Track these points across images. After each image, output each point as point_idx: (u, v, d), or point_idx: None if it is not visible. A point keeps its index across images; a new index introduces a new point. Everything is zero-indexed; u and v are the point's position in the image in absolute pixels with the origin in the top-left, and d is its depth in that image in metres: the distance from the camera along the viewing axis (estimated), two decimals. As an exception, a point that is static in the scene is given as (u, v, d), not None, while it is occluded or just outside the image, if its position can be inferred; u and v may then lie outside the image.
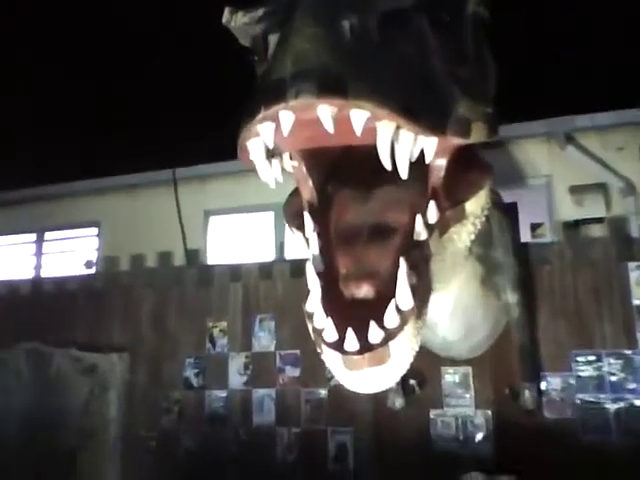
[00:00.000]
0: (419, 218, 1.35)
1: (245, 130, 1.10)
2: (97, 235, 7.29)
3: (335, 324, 1.21)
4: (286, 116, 1.02)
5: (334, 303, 1.29)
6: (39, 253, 7.85)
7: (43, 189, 7.39)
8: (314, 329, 1.25)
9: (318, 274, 1.34)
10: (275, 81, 1.03)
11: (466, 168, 1.50)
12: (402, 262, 1.24)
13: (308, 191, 1.53)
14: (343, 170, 1.61)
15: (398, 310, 1.20)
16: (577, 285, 3.82)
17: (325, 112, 1.00)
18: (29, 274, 7.53)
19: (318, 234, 1.45)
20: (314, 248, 1.41)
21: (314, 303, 1.28)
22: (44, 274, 7.48)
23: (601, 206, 4.82)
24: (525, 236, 4.74)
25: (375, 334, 1.17)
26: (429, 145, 1.19)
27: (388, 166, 1.10)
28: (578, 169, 5.14)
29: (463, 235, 1.52)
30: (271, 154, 1.29)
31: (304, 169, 1.50)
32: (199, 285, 4.80)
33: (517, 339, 3.38)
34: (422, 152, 1.22)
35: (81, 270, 7.00)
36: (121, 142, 6.22)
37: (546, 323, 3.80)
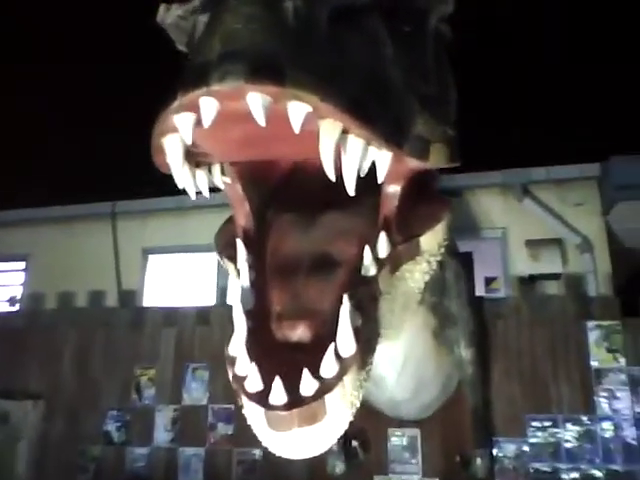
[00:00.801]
0: (368, 251, 1.19)
1: (159, 124, 0.93)
2: (24, 269, 6.90)
3: (260, 371, 1.01)
4: (207, 103, 0.85)
5: (262, 346, 1.10)
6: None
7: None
8: (235, 376, 1.06)
9: (246, 312, 1.15)
10: (198, 64, 0.86)
11: (422, 199, 1.36)
12: (345, 300, 1.06)
13: (243, 215, 1.35)
14: (285, 193, 1.44)
15: (338, 356, 1.02)
16: (533, 343, 3.72)
17: (256, 101, 0.83)
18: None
19: (250, 265, 1.27)
20: (244, 280, 1.22)
21: (237, 345, 1.09)
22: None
23: (557, 262, 4.80)
24: (479, 289, 4.66)
25: (308, 385, 0.98)
26: (382, 159, 1.04)
27: (331, 175, 0.94)
28: (535, 223, 5.14)
29: (416, 274, 1.36)
30: (195, 162, 1.12)
31: (239, 189, 1.33)
32: (129, 328, 4.49)
33: (469, 400, 3.22)
34: (373, 171, 1.07)
35: (3, 307, 6.61)
36: (59, 171, 5.94)
37: (500, 383, 3.66)
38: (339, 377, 1.01)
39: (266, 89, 0.82)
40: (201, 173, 1.13)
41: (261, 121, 0.84)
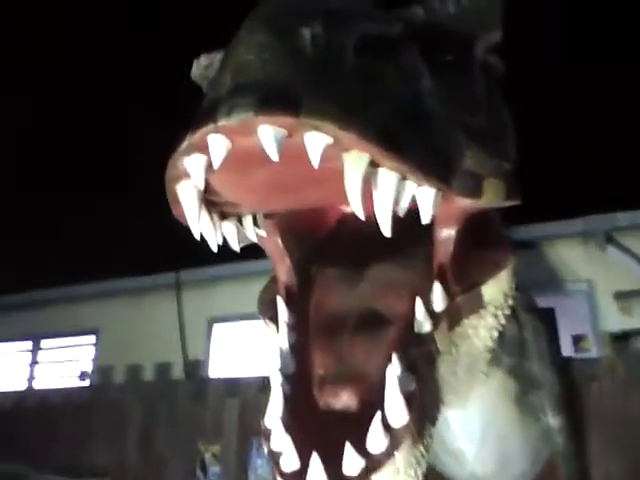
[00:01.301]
0: (420, 304, 1.07)
1: (170, 169, 0.87)
2: (94, 344, 7.06)
3: (297, 446, 0.90)
4: (216, 142, 0.79)
5: (300, 416, 1.00)
6: (34, 362, 7.65)
7: (41, 294, 7.29)
8: (270, 452, 0.95)
9: (285, 377, 1.05)
10: (208, 102, 0.81)
11: (481, 243, 1.24)
12: (395, 360, 0.95)
13: (284, 271, 1.27)
14: (331, 245, 1.35)
15: (387, 428, 0.90)
16: (631, 408, 3.38)
17: (267, 134, 0.76)
18: (22, 385, 7.29)
19: (291, 325, 1.17)
20: (283, 342, 1.12)
21: (273, 416, 0.98)
22: (37, 385, 7.24)
23: (653, 315, 4.43)
24: (566, 349, 4.33)
25: (352, 462, 0.86)
26: (424, 197, 0.93)
27: (360, 214, 0.84)
28: (622, 273, 4.80)
29: (481, 330, 1.22)
30: (220, 212, 1.05)
31: (279, 243, 1.25)
32: (193, 401, 4.44)
33: (563, 475, 2.92)
34: (417, 212, 0.97)
35: (75, 382, 6.74)
36: (121, 244, 6.12)
37: (597, 454, 3.33)
38: (389, 453, 0.88)
39: (279, 120, 0.75)
40: (229, 225, 1.06)
41: (274, 156, 0.77)
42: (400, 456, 0.88)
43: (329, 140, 0.76)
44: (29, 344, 7.79)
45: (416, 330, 1.07)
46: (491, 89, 1.33)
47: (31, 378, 7.50)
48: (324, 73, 0.80)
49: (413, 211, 1.21)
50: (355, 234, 1.32)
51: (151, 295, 6.48)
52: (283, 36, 0.79)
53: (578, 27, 4.13)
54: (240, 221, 1.13)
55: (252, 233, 1.15)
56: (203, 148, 0.79)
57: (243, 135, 0.76)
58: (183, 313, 6.13)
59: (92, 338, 7.10)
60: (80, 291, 6.99)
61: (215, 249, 0.99)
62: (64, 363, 7.35)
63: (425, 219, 0.98)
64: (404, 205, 0.90)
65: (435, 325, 1.08)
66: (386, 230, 0.88)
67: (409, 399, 0.93)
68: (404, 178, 0.88)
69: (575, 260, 5.03)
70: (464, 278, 1.17)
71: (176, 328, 6.06)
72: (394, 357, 0.96)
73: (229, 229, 1.07)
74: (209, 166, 0.82)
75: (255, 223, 1.17)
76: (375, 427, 0.88)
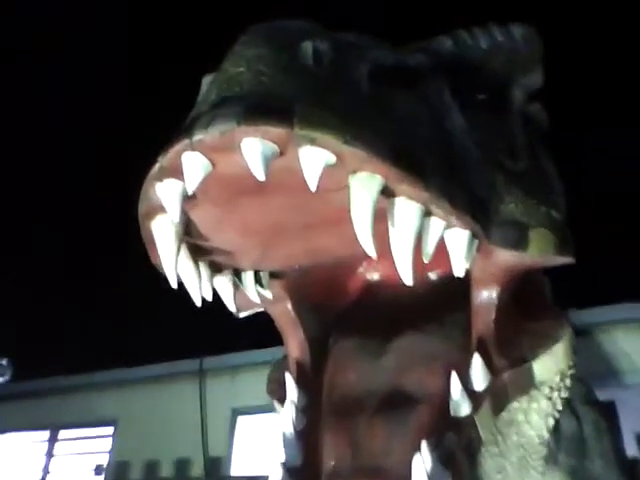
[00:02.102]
0: (457, 381, 0.90)
1: (141, 200, 0.75)
2: (112, 435, 6.83)
3: None
4: (191, 160, 0.66)
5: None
6: (50, 454, 7.44)
7: (59, 381, 7.17)
8: None
9: (289, 471, 0.89)
10: (187, 120, 0.69)
11: (530, 310, 1.08)
12: (425, 449, 0.77)
13: (297, 345, 1.13)
14: (352, 314, 1.21)
15: None
16: None
17: (252, 148, 0.63)
18: (36, 478, 7.05)
19: (302, 409, 1.02)
20: (289, 428, 0.96)
21: None
22: (52, 479, 7.01)
23: None
24: (629, 449, 3.95)
25: None
26: (456, 239, 0.79)
27: (372, 251, 0.70)
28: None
29: (534, 416, 1.03)
30: (215, 267, 0.92)
31: (291, 310, 1.11)
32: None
33: None
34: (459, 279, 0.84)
35: (90, 476, 6.51)
36: (142, 330, 6.04)
37: None
38: None
39: (267, 132, 0.62)
40: (222, 279, 0.92)
41: (260, 175, 0.64)
42: None
43: (330, 158, 0.64)
44: (46, 434, 7.60)
45: (452, 413, 0.90)
46: (533, 137, 1.21)
47: (46, 471, 7.28)
48: (328, 87, 0.68)
49: (448, 276, 1.07)
50: (381, 304, 1.18)
51: (173, 383, 6.29)
52: (282, 49, 0.68)
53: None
54: (239, 277, 0.99)
55: (253, 292, 1.01)
56: (177, 172, 0.67)
57: (224, 153, 0.64)
58: (206, 403, 5.90)
59: (110, 429, 6.88)
60: (99, 379, 6.86)
61: (198, 302, 0.86)
62: (81, 455, 7.13)
63: (458, 271, 0.83)
64: (429, 248, 0.76)
65: (475, 407, 0.91)
66: (407, 276, 0.73)
67: None
68: (429, 214, 0.74)
69: (634, 348, 4.70)
70: (510, 351, 1.00)
71: (198, 420, 5.82)
72: (424, 445, 0.78)
73: (222, 284, 0.94)
74: (186, 194, 0.69)
75: (259, 282, 1.03)
76: None
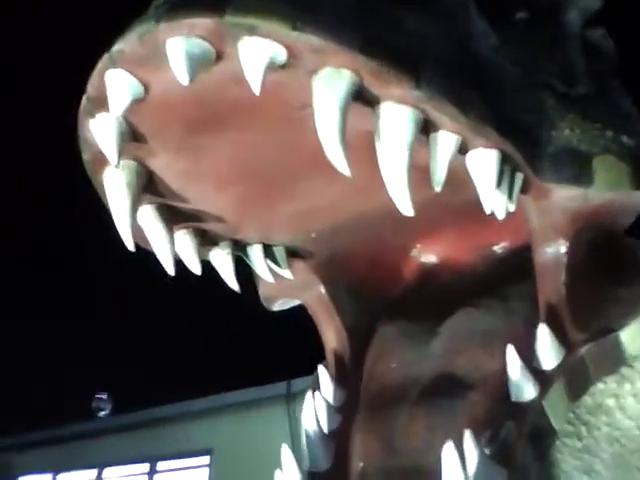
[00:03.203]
0: (513, 355, 0.73)
1: (82, 149, 0.64)
2: (208, 465, 6.87)
3: None
4: (114, 78, 0.55)
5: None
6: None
7: (156, 412, 7.31)
8: None
9: (313, 475, 0.74)
10: None
11: (612, 270, 0.88)
12: (469, 441, 0.61)
13: (333, 333, 0.98)
14: (400, 302, 1.06)
15: None
16: None
17: (176, 49, 0.51)
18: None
19: (339, 405, 0.87)
20: (317, 426, 0.81)
21: None
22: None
23: None
24: None
25: None
26: (480, 162, 0.63)
27: (342, 168, 0.55)
28: None
29: (628, 401, 0.84)
30: (203, 234, 0.79)
31: (323, 293, 0.93)
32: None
33: None
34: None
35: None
36: (229, 355, 6.06)
37: None
38: None
39: (193, 24, 0.50)
40: (219, 254, 0.79)
41: (184, 79, 0.50)
42: None
43: (277, 51, 0.49)
44: (146, 467, 7.75)
45: (513, 398, 0.72)
46: (597, 66, 1.01)
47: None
48: None
49: (516, 251, 0.93)
50: (437, 289, 1.02)
51: (262, 408, 6.26)
52: None
53: None
54: (244, 250, 0.85)
55: (264, 270, 0.87)
56: (106, 101, 0.56)
57: (153, 67, 0.53)
58: (297, 426, 5.80)
59: (206, 459, 6.93)
60: (193, 407, 6.93)
61: (171, 271, 0.72)
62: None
63: (497, 212, 0.66)
64: (439, 173, 0.59)
65: (543, 390, 0.73)
66: (404, 204, 0.57)
67: None
68: (435, 128, 0.58)
69: None
70: (590, 321, 0.81)
71: (289, 443, 5.72)
72: (467, 435, 0.61)
73: (220, 258, 0.80)
74: (124, 132, 0.57)
75: (270, 257, 0.89)
76: None
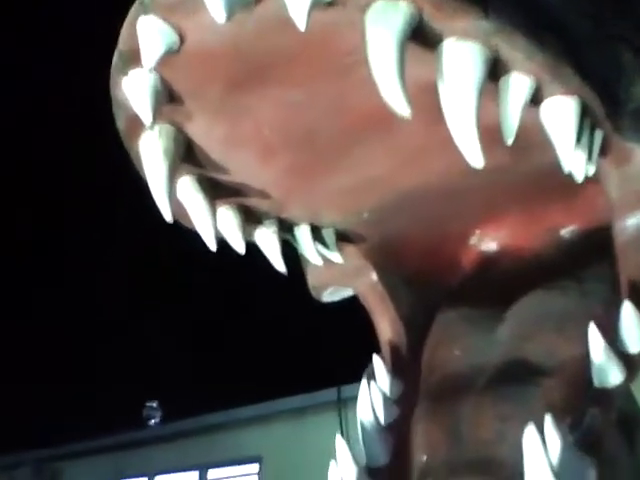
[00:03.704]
0: (598, 337, 0.65)
1: (114, 110, 0.60)
2: (258, 473, 6.85)
3: None
4: (146, 28, 0.51)
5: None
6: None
7: (206, 419, 7.34)
8: None
9: (371, 471, 0.68)
10: None
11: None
12: (551, 428, 0.54)
13: (389, 324, 0.93)
14: (461, 291, 0.99)
15: None
16: None
17: None
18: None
19: (397, 397, 0.82)
20: (370, 420, 0.76)
21: None
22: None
23: None
24: None
25: None
26: (559, 111, 0.56)
27: (401, 106, 0.49)
28: None
29: None
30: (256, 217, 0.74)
31: (376, 280, 0.90)
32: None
33: None
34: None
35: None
36: (282, 362, 6.05)
37: None
38: None
39: None
40: (265, 232, 0.74)
41: (220, 17, 0.46)
42: None
43: None
44: (195, 475, 7.79)
45: (596, 383, 0.65)
46: None
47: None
48: None
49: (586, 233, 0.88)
50: (499, 278, 0.96)
51: (313, 415, 6.20)
52: None
53: None
54: (291, 232, 0.80)
55: (311, 251, 0.82)
56: (139, 55, 0.51)
57: (188, 13, 0.48)
58: (348, 432, 5.72)
59: (256, 467, 6.91)
60: (242, 414, 6.94)
61: (213, 247, 0.67)
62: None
63: (576, 171, 0.59)
64: (510, 120, 0.52)
65: (631, 373, 0.65)
66: (473, 155, 0.51)
67: None
68: (506, 70, 0.51)
69: None
70: None
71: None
72: (549, 422, 0.54)
73: (265, 237, 0.75)
74: (160, 90, 0.53)
75: (319, 240, 0.83)
76: None
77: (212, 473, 7.62)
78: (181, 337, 8.02)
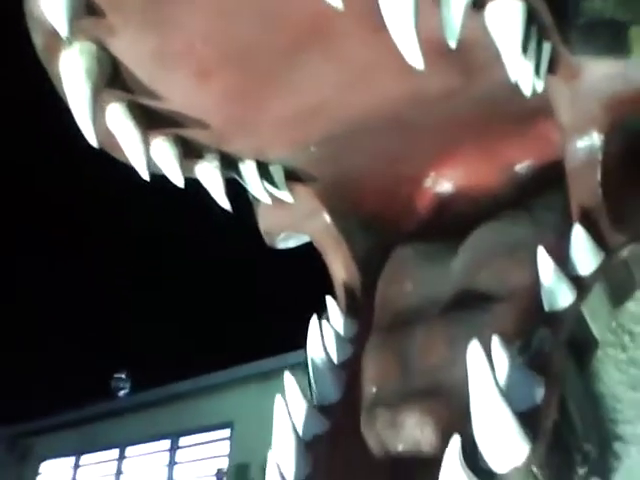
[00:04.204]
0: (546, 258, 0.65)
1: (30, 26, 0.55)
2: (229, 438, 6.90)
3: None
4: None
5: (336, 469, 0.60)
6: (172, 462, 7.64)
7: (175, 387, 7.34)
8: None
9: (322, 409, 0.67)
10: None
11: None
12: (498, 349, 0.53)
13: (341, 264, 0.91)
14: (416, 229, 0.98)
15: (482, 475, 0.46)
16: None
17: None
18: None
19: (350, 339, 0.83)
20: (321, 359, 0.75)
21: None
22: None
23: None
24: None
25: None
26: (501, 15, 0.54)
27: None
28: None
29: None
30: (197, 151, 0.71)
31: (329, 222, 0.88)
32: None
33: None
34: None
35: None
36: (247, 326, 6.05)
37: None
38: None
39: None
40: (206, 167, 0.71)
41: None
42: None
43: None
44: (167, 443, 7.80)
45: (547, 307, 0.64)
46: None
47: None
48: None
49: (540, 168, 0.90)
50: (454, 219, 0.94)
51: (282, 378, 6.24)
52: None
53: None
54: (234, 166, 0.77)
55: (259, 188, 0.78)
56: None
57: None
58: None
59: (227, 432, 6.96)
60: (212, 380, 6.94)
61: (145, 176, 0.64)
62: (201, 461, 7.27)
63: (523, 85, 0.57)
64: (453, 21, 0.50)
65: (581, 294, 0.64)
66: (412, 55, 0.48)
67: (531, 422, 0.51)
68: None
69: None
70: (629, 220, 0.72)
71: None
72: (496, 343, 0.53)
73: (207, 173, 0.71)
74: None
75: (268, 178, 0.80)
76: (452, 472, 0.45)
77: (183, 441, 7.65)
78: (148, 307, 7.96)
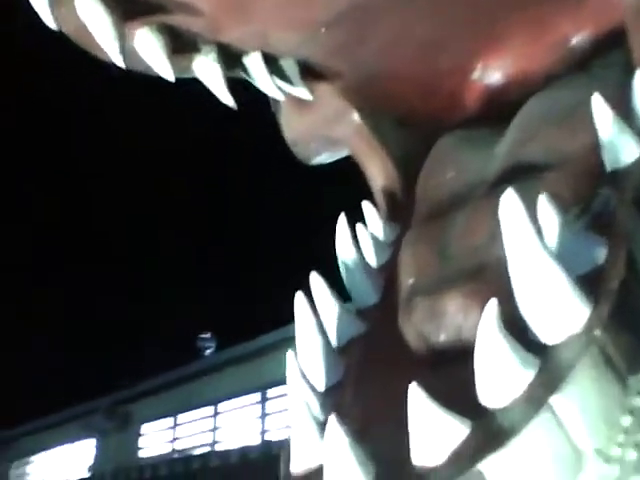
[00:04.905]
0: (604, 108, 0.58)
1: None
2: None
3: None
4: None
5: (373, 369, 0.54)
6: (264, 414, 7.82)
7: (258, 342, 7.46)
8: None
9: (361, 312, 0.61)
10: None
11: None
12: (546, 206, 0.45)
13: (378, 166, 0.84)
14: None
15: (533, 346, 0.39)
16: None
17: None
18: (256, 438, 7.47)
19: (390, 240, 0.77)
20: (358, 264, 0.68)
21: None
22: (270, 437, 7.38)
23: None
24: None
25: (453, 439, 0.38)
26: None
27: None
28: None
29: None
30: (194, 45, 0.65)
31: (358, 119, 0.82)
32: None
33: None
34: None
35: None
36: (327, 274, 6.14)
37: None
38: (542, 398, 0.40)
39: None
40: (204, 61, 0.64)
41: None
42: (572, 410, 0.39)
43: None
44: (257, 396, 7.98)
45: (609, 167, 0.56)
46: None
47: (263, 431, 7.65)
48: None
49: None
50: (506, 108, 0.84)
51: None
52: None
53: None
54: (237, 60, 0.69)
55: (267, 82, 0.70)
56: None
57: None
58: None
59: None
60: (293, 331, 7.03)
61: (121, 63, 0.57)
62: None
63: None
64: None
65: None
66: None
67: (591, 284, 0.44)
68: None
69: None
70: None
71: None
72: (544, 200, 0.46)
73: (205, 67, 0.64)
74: None
75: (276, 73, 0.72)
76: (507, 357, 0.39)
77: (272, 392, 7.80)
78: (223, 267, 8.10)
